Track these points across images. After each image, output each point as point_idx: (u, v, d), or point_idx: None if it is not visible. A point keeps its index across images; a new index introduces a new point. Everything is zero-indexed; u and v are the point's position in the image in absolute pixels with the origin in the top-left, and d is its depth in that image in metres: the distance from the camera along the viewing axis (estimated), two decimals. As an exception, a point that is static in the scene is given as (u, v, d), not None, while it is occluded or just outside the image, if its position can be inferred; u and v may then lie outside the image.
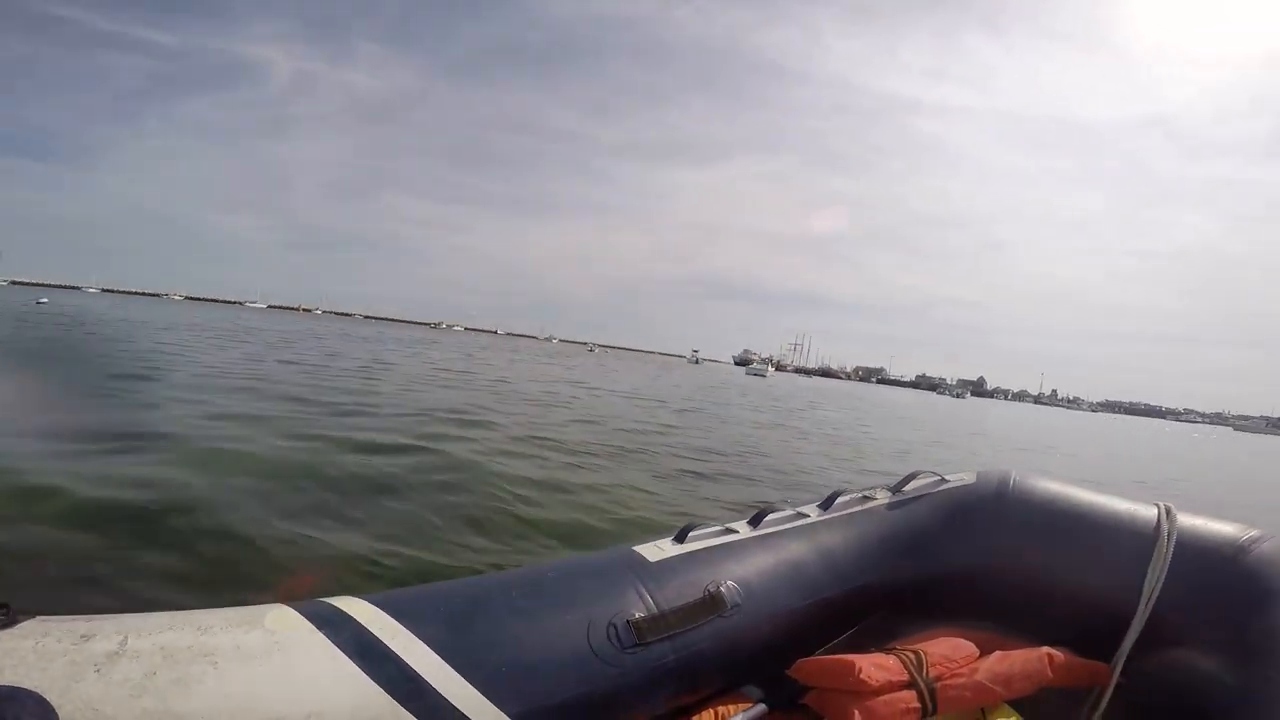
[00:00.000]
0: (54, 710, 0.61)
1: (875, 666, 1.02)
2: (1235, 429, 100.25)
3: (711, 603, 1.09)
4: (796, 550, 1.25)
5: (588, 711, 0.94)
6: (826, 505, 1.37)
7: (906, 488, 1.43)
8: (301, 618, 0.81)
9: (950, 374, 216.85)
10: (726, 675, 1.12)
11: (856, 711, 0.98)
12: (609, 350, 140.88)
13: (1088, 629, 1.18)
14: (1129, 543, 1.20)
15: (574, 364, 29.57)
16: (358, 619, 0.84)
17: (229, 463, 3.79)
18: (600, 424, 7.63)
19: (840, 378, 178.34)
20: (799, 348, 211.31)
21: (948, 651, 1.10)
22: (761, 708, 1.08)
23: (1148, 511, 1.25)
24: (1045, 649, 1.09)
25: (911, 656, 1.06)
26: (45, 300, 39.17)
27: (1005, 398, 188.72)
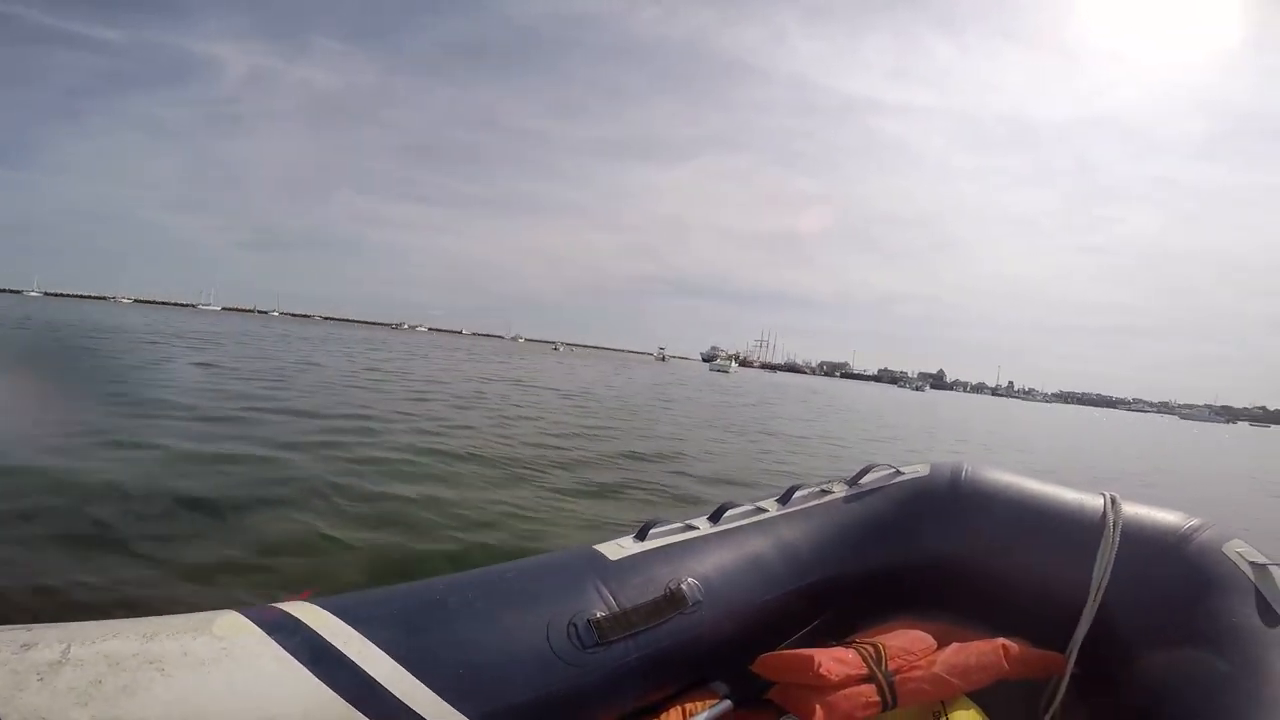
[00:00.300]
0: None
1: (834, 660, 1.02)
2: (1181, 417, 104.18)
3: (673, 600, 1.08)
4: (756, 545, 1.24)
5: (550, 712, 0.92)
6: (785, 499, 1.36)
7: (863, 480, 1.43)
8: (251, 624, 0.78)
9: (911, 367, 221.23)
10: (691, 672, 1.11)
11: (818, 706, 0.97)
12: (575, 349, 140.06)
13: (1043, 619, 1.19)
14: (1077, 533, 1.22)
15: (529, 363, 28.87)
16: (309, 624, 0.81)
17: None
18: (513, 427, 7.09)
19: (805, 372, 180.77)
20: (765, 344, 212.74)
21: (906, 644, 1.09)
22: (727, 704, 1.05)
23: (1094, 501, 1.26)
24: (1000, 641, 1.09)
25: (870, 650, 1.06)
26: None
27: (964, 389, 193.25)
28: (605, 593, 1.05)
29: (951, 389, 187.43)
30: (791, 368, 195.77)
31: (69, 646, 0.67)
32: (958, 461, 1.45)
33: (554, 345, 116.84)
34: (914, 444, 11.22)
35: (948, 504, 1.36)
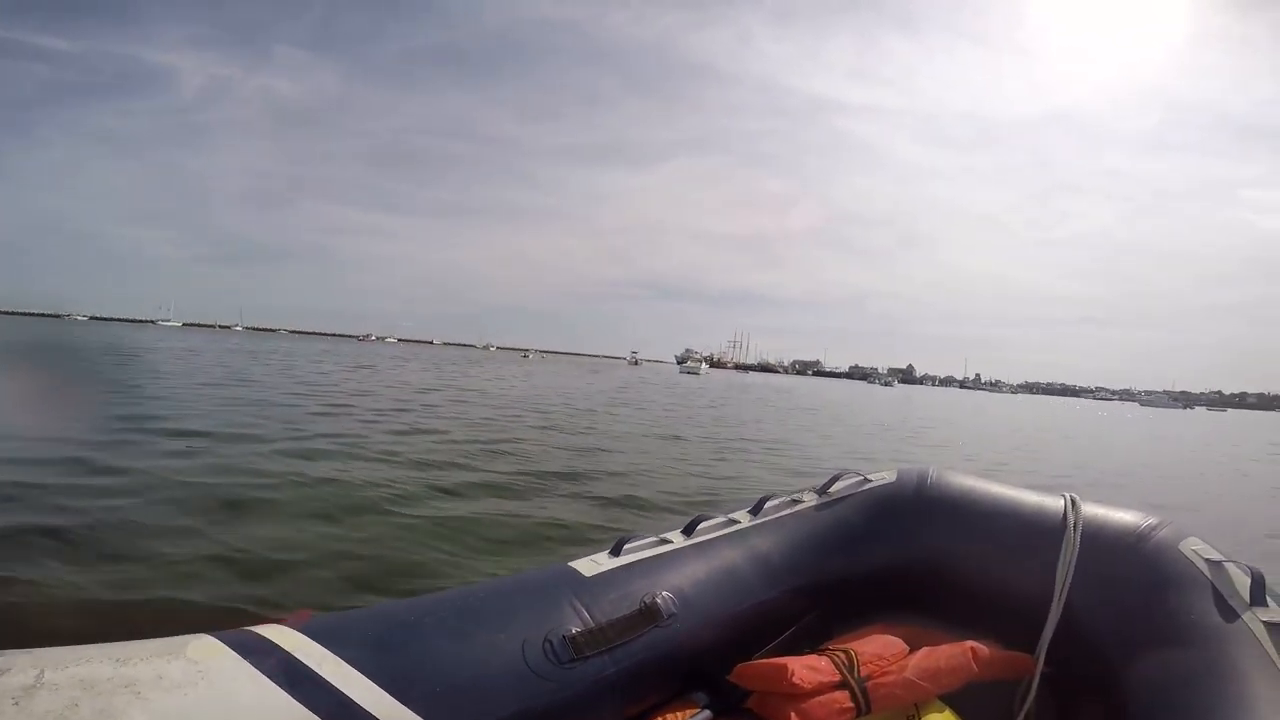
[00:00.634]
0: None
1: (807, 668, 1.02)
2: (1141, 404, 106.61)
3: (648, 613, 1.08)
4: (730, 557, 1.25)
5: None
6: (756, 510, 1.37)
7: (832, 489, 1.44)
8: (225, 647, 0.78)
9: (882, 363, 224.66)
10: (669, 684, 1.11)
11: (793, 714, 0.97)
12: (547, 355, 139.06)
13: (1013, 621, 1.20)
14: (1040, 535, 1.23)
15: (487, 372, 28.19)
16: (284, 647, 0.81)
17: None
18: (405, 443, 6.50)
19: (779, 371, 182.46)
20: (738, 344, 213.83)
21: (878, 650, 1.10)
22: (707, 714, 1.05)
23: (1055, 503, 1.28)
24: (969, 643, 1.09)
25: (843, 657, 1.07)
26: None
27: (934, 383, 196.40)
28: (580, 609, 1.04)
29: (921, 383, 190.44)
30: (764, 367, 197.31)
31: (43, 671, 0.66)
32: (923, 467, 1.46)
33: (523, 353, 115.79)
34: (869, 448, 10.88)
35: (914, 509, 1.37)
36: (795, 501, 1.41)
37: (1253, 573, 1.05)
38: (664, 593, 1.12)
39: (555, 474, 5.11)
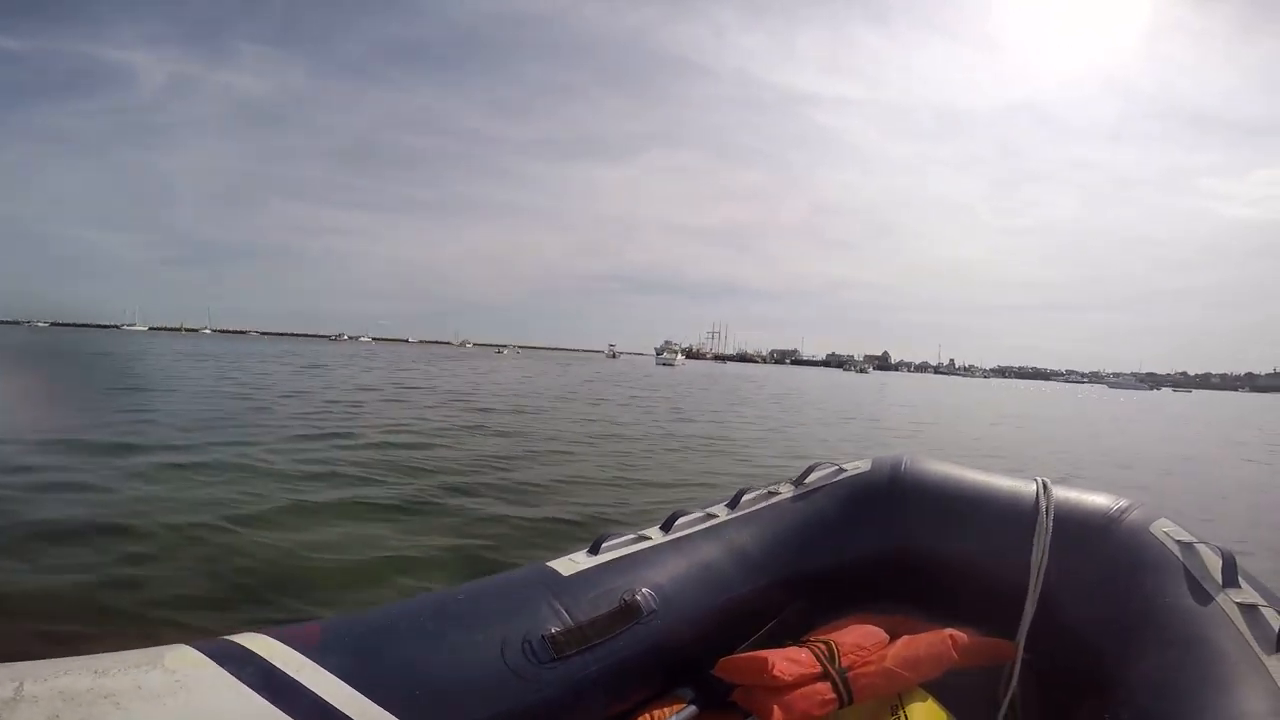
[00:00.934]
0: None
1: (788, 660, 1.03)
2: (1110, 386, 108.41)
3: (629, 611, 1.08)
4: (709, 551, 1.25)
5: None
6: (734, 503, 1.37)
7: (807, 480, 1.44)
8: (203, 656, 0.78)
9: (859, 351, 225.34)
10: (653, 680, 1.11)
11: (775, 706, 0.99)
12: (524, 350, 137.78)
13: (991, 607, 1.20)
14: (1014, 520, 1.23)
15: (454, 368, 27.50)
16: (261, 654, 0.81)
17: None
18: (302, 451, 5.95)
19: (757, 361, 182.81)
20: (717, 335, 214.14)
21: (859, 640, 1.11)
22: (692, 709, 1.07)
23: (1027, 488, 1.28)
24: (948, 631, 1.10)
25: (823, 648, 1.08)
26: None
27: (909, 370, 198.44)
28: (559, 608, 1.04)
29: (897, 369, 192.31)
30: (743, 357, 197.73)
31: (21, 684, 0.67)
32: (897, 456, 1.46)
33: (496, 349, 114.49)
34: (813, 446, 10.50)
35: (889, 498, 1.37)
36: (772, 493, 1.40)
37: (1223, 554, 1.04)
38: (644, 589, 1.12)
39: (449, 488, 4.53)
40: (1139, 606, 1.03)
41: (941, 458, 1.44)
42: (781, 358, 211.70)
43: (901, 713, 1.03)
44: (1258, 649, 0.90)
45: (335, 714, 0.79)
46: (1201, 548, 1.07)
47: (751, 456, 7.18)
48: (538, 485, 4.81)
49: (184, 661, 0.76)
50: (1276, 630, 0.92)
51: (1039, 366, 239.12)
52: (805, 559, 1.31)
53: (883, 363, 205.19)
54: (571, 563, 1.15)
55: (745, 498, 1.38)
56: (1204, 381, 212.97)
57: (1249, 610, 0.96)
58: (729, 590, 1.21)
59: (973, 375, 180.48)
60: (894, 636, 1.13)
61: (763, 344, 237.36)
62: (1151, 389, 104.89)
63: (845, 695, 1.01)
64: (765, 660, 1.02)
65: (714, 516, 1.32)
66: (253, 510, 3.63)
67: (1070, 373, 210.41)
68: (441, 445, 6.43)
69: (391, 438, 6.57)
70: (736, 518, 1.33)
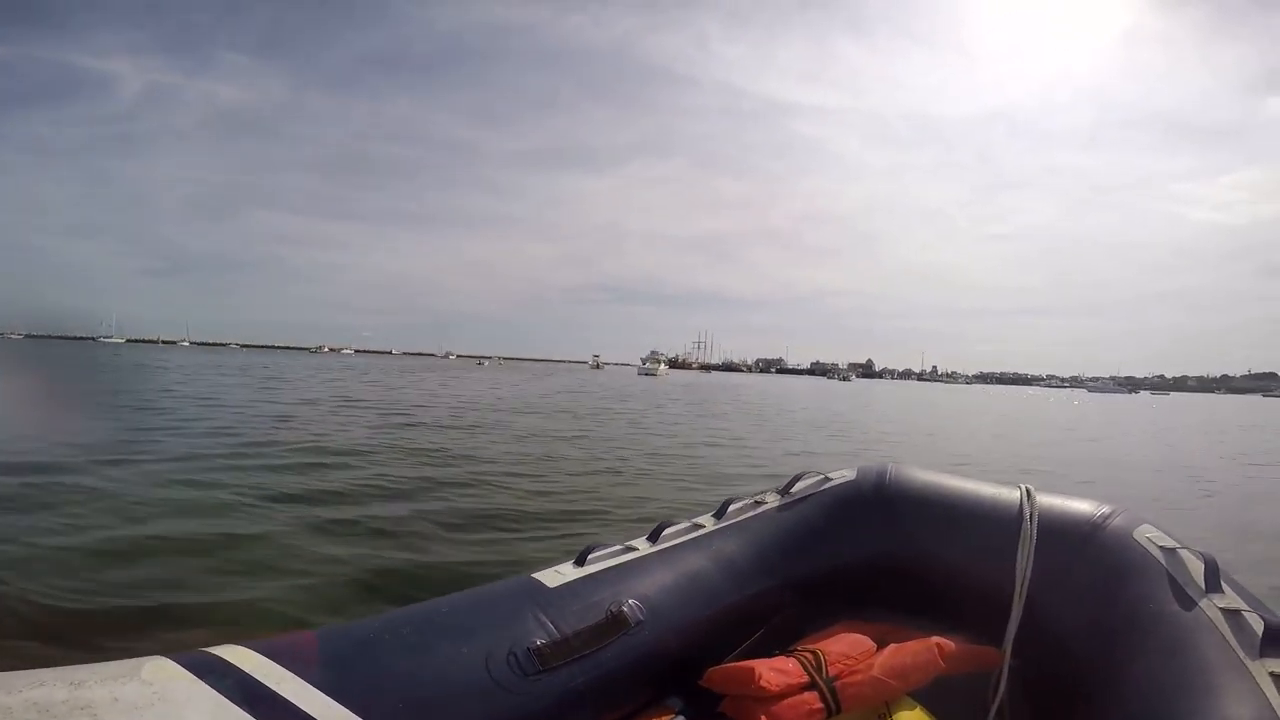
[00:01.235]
0: None
1: (775, 670, 1.03)
2: (1089, 390, 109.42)
3: (616, 622, 1.08)
4: (696, 561, 1.26)
5: None
6: (720, 513, 1.38)
7: (793, 489, 1.45)
8: (181, 668, 0.77)
9: (843, 359, 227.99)
10: (642, 691, 1.11)
11: (763, 716, 0.99)
12: (507, 362, 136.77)
13: (977, 614, 1.21)
14: (998, 527, 1.23)
15: (422, 380, 26.76)
16: (240, 666, 0.80)
17: None
18: (185, 468, 5.35)
19: (742, 370, 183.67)
20: (702, 345, 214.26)
21: (846, 649, 1.11)
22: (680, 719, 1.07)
23: (1011, 495, 1.29)
24: (935, 639, 1.10)
25: (810, 657, 1.08)
26: None
27: (892, 377, 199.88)
28: (545, 620, 1.04)
29: (881, 377, 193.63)
30: (729, 367, 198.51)
31: None
32: (882, 464, 1.46)
33: (478, 360, 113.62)
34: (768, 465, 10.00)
35: (875, 506, 1.38)
36: (759, 503, 1.42)
37: (1206, 559, 1.05)
38: (631, 600, 1.12)
39: (336, 520, 3.86)
40: (1124, 612, 1.03)
41: (926, 466, 1.45)
42: (767, 366, 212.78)
43: None
44: (1242, 654, 0.90)
45: None
46: (1184, 553, 1.08)
47: (683, 476, 6.65)
48: (388, 522, 3.80)
49: (162, 673, 0.74)
50: (1260, 635, 0.92)
51: (1019, 372, 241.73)
52: (792, 568, 1.32)
53: (867, 370, 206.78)
54: (557, 574, 1.14)
55: (732, 507, 1.40)
56: (1181, 384, 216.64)
57: (1232, 615, 0.96)
58: (716, 600, 1.22)
59: (955, 382, 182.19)
60: (881, 645, 1.13)
61: (749, 353, 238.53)
62: (1130, 392, 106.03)
63: (833, 705, 1.01)
64: (753, 670, 1.02)
65: (701, 526, 1.33)
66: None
67: (1051, 378, 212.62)
68: (329, 466, 5.66)
69: (303, 457, 5.96)
70: (723, 527, 1.34)
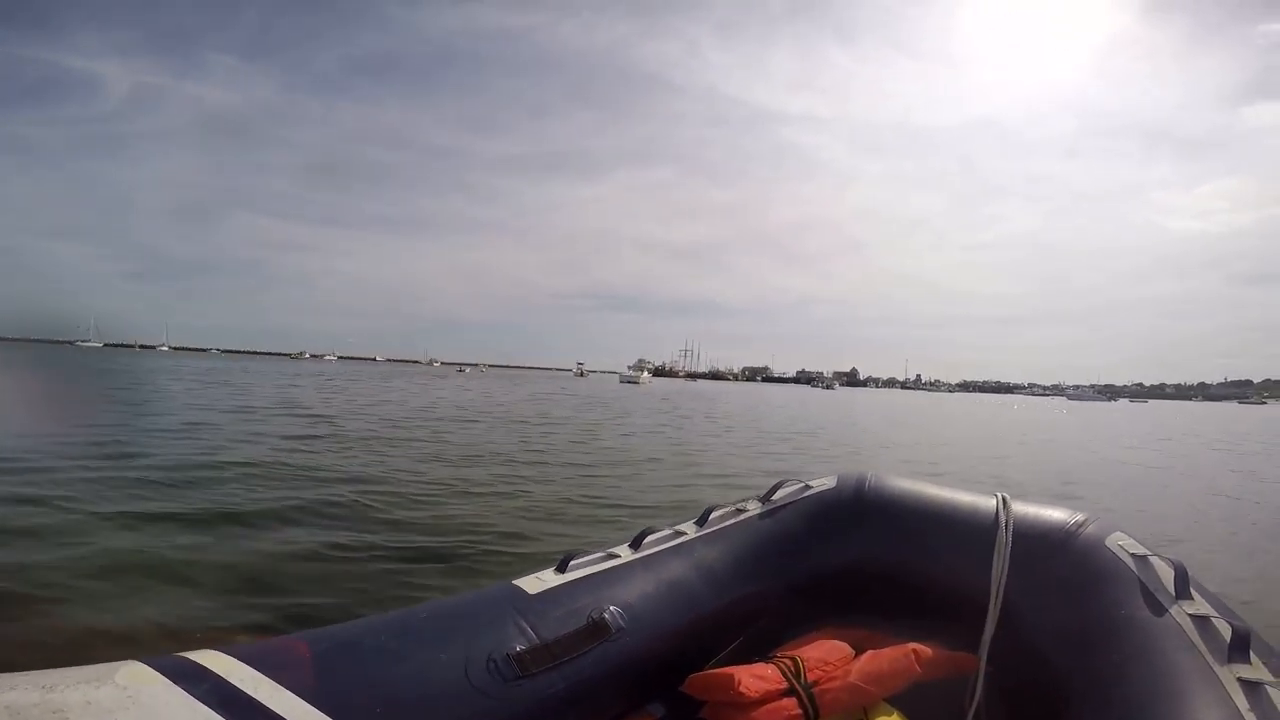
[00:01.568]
0: None
1: (754, 677, 1.04)
2: (1069, 398, 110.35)
3: (597, 629, 1.09)
4: (677, 568, 1.26)
5: None
6: (702, 521, 1.39)
7: (774, 497, 1.47)
8: (156, 673, 0.76)
9: (828, 367, 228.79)
10: (623, 697, 1.12)
11: None
12: (489, 369, 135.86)
13: (953, 620, 1.22)
14: (975, 535, 1.26)
15: (404, 384, 26.22)
16: (216, 671, 0.80)
17: None
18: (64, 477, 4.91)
19: (729, 379, 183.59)
20: (689, 353, 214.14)
21: (824, 655, 1.12)
22: None
23: (987, 503, 1.31)
24: (911, 645, 1.12)
25: (789, 663, 1.09)
26: None
27: (876, 385, 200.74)
28: (525, 626, 1.04)
29: (865, 385, 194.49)
30: (715, 375, 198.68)
31: None
32: (861, 472, 1.49)
33: (459, 368, 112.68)
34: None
35: (854, 514, 1.41)
36: (740, 511, 1.44)
37: (1176, 566, 1.07)
38: (612, 607, 1.13)
39: (130, 549, 3.51)
40: (1096, 618, 1.05)
41: (904, 474, 1.47)
42: (753, 375, 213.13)
43: None
44: (1210, 659, 0.91)
45: None
46: (1155, 560, 1.10)
47: (625, 491, 6.29)
48: (186, 551, 3.30)
49: (136, 678, 0.74)
50: (1228, 641, 0.93)
51: (1002, 380, 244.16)
52: (772, 575, 1.35)
53: (851, 378, 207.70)
54: (538, 581, 1.14)
55: (713, 515, 1.41)
56: (1159, 391, 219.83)
57: (1201, 621, 0.97)
58: (697, 607, 1.23)
59: (938, 390, 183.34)
60: (859, 651, 1.15)
61: (735, 361, 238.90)
62: (1110, 400, 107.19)
63: (811, 711, 1.03)
64: (732, 677, 1.03)
65: (682, 534, 1.35)
66: None
67: (1032, 385, 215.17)
68: (191, 484, 5.17)
69: (136, 472, 5.54)
70: (704, 535, 1.36)
